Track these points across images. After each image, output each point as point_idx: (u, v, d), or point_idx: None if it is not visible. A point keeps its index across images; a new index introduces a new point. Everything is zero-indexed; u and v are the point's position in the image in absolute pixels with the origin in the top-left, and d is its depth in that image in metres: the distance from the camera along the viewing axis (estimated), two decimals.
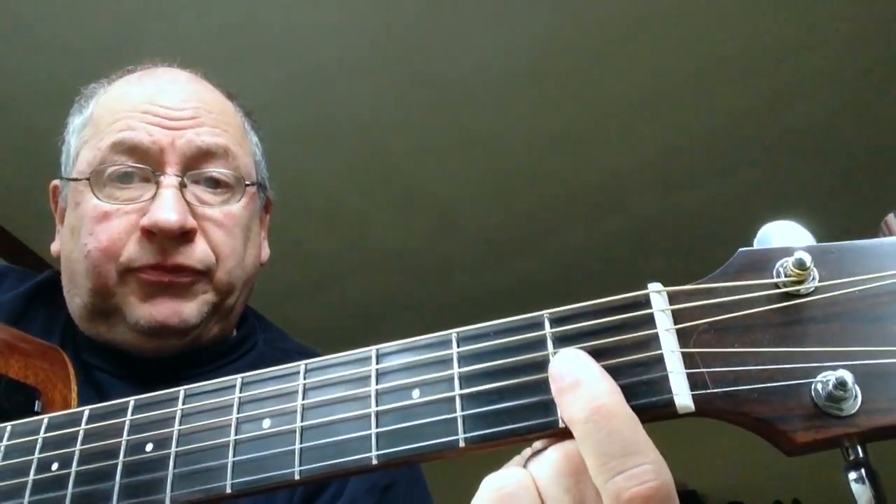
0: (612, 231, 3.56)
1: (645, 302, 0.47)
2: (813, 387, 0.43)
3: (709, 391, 0.44)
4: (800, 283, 0.45)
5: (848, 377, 0.41)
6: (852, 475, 0.42)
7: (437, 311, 4.04)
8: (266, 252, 1.08)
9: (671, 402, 0.44)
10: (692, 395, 0.44)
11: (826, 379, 0.42)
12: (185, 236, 0.90)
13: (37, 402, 0.82)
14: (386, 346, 0.52)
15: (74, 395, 0.88)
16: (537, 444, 0.48)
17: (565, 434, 0.45)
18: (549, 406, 0.46)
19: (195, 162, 0.93)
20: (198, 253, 0.91)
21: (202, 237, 0.92)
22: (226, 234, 0.94)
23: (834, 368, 0.42)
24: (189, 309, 0.91)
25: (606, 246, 3.65)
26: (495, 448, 0.48)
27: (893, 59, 2.67)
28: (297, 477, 0.50)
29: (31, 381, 0.84)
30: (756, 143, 3.06)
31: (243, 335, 1.06)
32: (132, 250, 0.89)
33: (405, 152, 3.09)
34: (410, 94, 2.81)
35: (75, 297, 0.95)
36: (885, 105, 2.88)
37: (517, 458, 0.53)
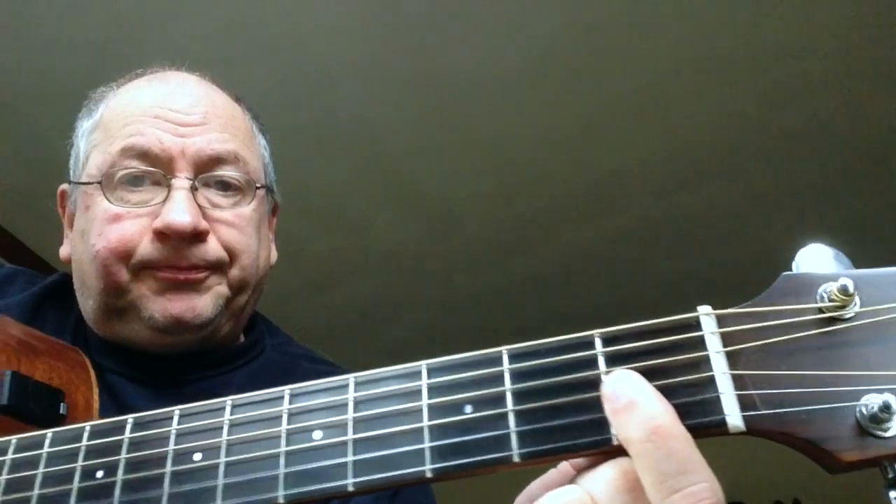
0: (612, 231, 3.57)
1: (695, 324, 0.49)
2: (858, 409, 0.45)
3: (759, 412, 0.46)
4: (843, 307, 0.47)
5: (893, 401, 0.44)
6: (893, 494, 0.44)
7: (438, 311, 4.04)
8: (274, 255, 1.09)
9: (723, 423, 0.46)
10: (742, 416, 0.46)
11: (870, 402, 0.44)
12: (197, 237, 0.91)
13: (61, 403, 0.82)
14: (435, 362, 0.53)
15: (96, 396, 0.88)
16: (580, 460, 0.49)
17: (618, 451, 0.46)
18: (602, 424, 0.47)
19: (205, 166, 0.94)
20: (211, 251, 0.92)
21: (214, 238, 0.93)
22: (239, 234, 0.95)
23: (880, 392, 0.44)
24: (203, 303, 0.91)
25: (606, 246, 3.66)
26: (546, 463, 0.49)
27: (892, 60, 2.69)
28: (350, 489, 0.51)
29: (55, 382, 0.84)
30: (755, 144, 3.07)
31: (253, 340, 1.06)
32: (145, 250, 0.90)
33: (406, 153, 3.09)
34: (410, 94, 2.81)
35: (88, 300, 0.95)
36: (884, 106, 2.90)
37: (553, 474, 0.54)
